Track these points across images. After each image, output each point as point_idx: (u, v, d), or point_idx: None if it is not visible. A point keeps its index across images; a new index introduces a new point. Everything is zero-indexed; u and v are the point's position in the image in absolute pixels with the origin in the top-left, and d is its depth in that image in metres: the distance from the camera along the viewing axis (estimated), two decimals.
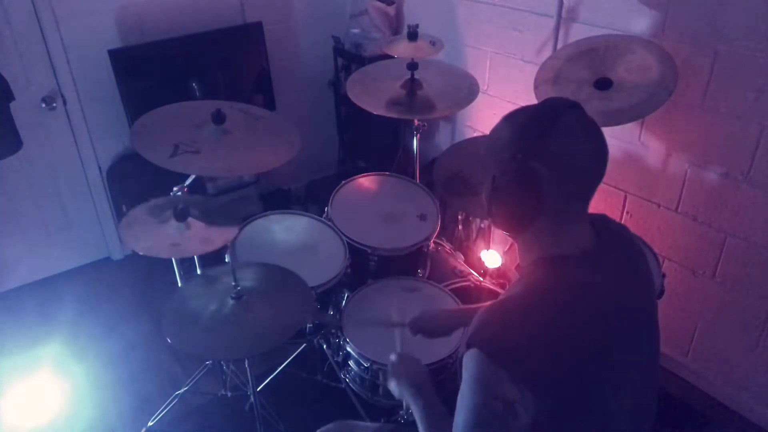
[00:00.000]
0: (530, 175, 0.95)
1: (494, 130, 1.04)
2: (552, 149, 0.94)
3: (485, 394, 0.92)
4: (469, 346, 0.95)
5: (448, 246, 2.52)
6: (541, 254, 1.02)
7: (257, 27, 3.01)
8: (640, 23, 2.10)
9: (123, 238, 1.77)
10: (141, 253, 1.68)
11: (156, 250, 1.69)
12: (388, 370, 1.38)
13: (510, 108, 1.06)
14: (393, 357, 1.39)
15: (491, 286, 2.33)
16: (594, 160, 0.98)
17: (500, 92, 2.78)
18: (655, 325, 1.12)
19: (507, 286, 1.05)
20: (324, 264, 2.03)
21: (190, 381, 2.25)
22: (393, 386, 1.34)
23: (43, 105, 2.70)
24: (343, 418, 1.58)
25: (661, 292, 1.94)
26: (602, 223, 1.10)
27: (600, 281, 1.00)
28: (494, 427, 0.92)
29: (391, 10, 3.16)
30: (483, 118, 2.91)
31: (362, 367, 1.83)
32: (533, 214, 0.99)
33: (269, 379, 2.21)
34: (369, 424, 1.58)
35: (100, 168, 2.95)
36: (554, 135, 0.94)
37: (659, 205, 2.26)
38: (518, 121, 0.99)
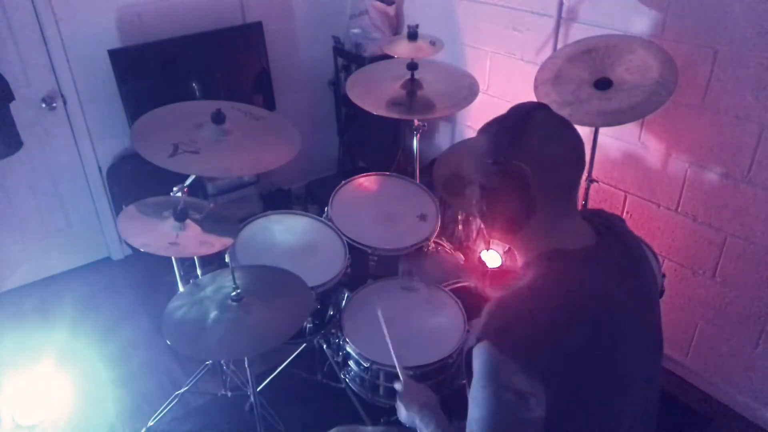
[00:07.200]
0: (515, 173, 1.01)
1: (472, 144, 1.11)
2: (529, 146, 1.01)
3: (496, 385, 0.94)
4: (479, 340, 0.97)
5: (448, 246, 2.52)
6: (541, 250, 1.05)
7: (257, 27, 3.01)
8: (640, 23, 2.10)
9: (120, 230, 1.76)
10: (137, 247, 1.68)
11: (154, 248, 1.69)
12: (396, 399, 1.38)
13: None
14: (399, 386, 1.40)
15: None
16: (570, 151, 1.03)
17: (500, 92, 2.78)
18: (657, 319, 1.13)
19: (509, 285, 1.06)
20: (324, 264, 2.03)
21: (190, 381, 2.25)
22: (402, 414, 1.34)
23: (43, 105, 2.70)
24: (342, 418, 1.58)
25: (661, 292, 1.94)
26: (600, 218, 1.13)
27: (602, 276, 1.03)
28: (507, 417, 0.93)
29: (391, 10, 3.16)
30: (483, 118, 2.83)
31: (362, 367, 1.83)
32: (527, 210, 1.04)
33: (269, 379, 2.21)
34: (370, 428, 1.58)
35: (100, 168, 2.95)
36: (528, 133, 1.01)
37: (659, 205, 2.26)
38: (493, 129, 1.06)
